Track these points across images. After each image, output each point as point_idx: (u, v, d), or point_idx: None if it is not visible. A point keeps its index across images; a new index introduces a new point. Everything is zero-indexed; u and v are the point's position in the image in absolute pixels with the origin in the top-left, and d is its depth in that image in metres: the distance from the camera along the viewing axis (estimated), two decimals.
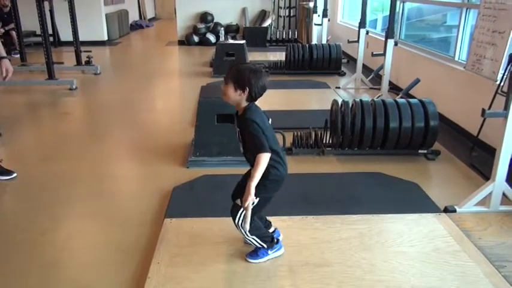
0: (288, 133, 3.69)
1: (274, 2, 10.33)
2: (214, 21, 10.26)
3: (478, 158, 3.57)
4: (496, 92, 3.35)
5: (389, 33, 4.74)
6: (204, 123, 3.39)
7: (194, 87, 5.87)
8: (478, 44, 3.69)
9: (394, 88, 5.53)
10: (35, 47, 8.87)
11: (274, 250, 2.21)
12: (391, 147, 3.55)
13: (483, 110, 2.57)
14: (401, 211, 2.72)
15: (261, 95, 1.98)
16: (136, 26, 13.70)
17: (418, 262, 2.23)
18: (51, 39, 7.40)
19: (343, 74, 6.86)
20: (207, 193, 2.97)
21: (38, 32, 6.60)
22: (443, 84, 4.51)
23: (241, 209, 2.01)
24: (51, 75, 6.09)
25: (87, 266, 2.29)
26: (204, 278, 2.11)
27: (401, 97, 4.74)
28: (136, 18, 14.47)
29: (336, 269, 2.17)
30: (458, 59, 4.46)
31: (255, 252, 2.20)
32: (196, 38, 10.13)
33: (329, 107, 3.82)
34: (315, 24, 7.95)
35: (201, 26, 10.11)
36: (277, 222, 2.44)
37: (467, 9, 4.36)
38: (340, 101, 3.70)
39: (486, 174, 3.21)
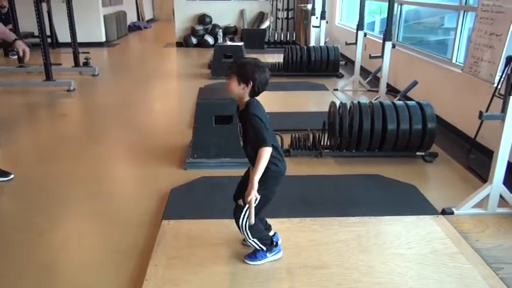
0: (285, 135, 3.69)
1: (272, 4, 10.35)
2: (213, 23, 10.26)
3: (476, 160, 3.58)
4: (494, 95, 3.37)
5: (387, 35, 4.75)
6: (202, 125, 3.39)
7: (192, 89, 5.86)
8: (475, 46, 3.71)
9: (391, 90, 5.54)
10: (32, 48, 8.80)
11: (272, 253, 2.21)
12: (389, 149, 3.56)
13: (480, 113, 2.58)
14: (399, 213, 2.72)
15: (263, 90, 1.98)
16: (134, 28, 13.69)
17: (416, 264, 2.23)
18: (49, 40, 7.38)
19: (341, 76, 6.87)
20: (204, 195, 2.97)
21: (36, 33, 6.60)
22: (441, 87, 4.52)
23: (245, 209, 2.01)
24: (48, 77, 6.08)
25: (84, 268, 2.28)
26: (201, 280, 2.10)
27: (399, 99, 4.75)
28: (135, 19, 14.47)
29: (334, 271, 2.17)
30: (456, 61, 4.48)
31: (254, 255, 2.20)
32: (194, 40, 10.14)
33: (327, 109, 3.83)
34: (313, 27, 7.97)
35: (199, 27, 10.12)
36: (276, 225, 2.44)
37: (464, 11, 4.38)
38: (338, 103, 3.71)
39: (483, 176, 3.22)
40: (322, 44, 7.64)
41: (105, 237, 2.56)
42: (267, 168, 1.94)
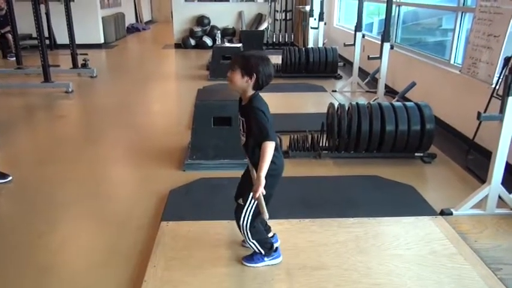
0: (284, 136, 3.68)
1: (270, 5, 10.36)
2: (211, 24, 10.27)
3: (474, 161, 3.59)
4: (492, 95, 3.37)
5: (385, 36, 4.76)
6: (201, 126, 3.39)
7: (191, 91, 5.86)
8: (473, 47, 3.72)
9: (390, 91, 5.55)
10: (30, 49, 8.86)
11: (270, 258, 2.19)
12: (387, 150, 3.56)
13: (479, 113, 2.59)
14: (398, 214, 2.73)
15: (267, 83, 1.94)
16: (132, 29, 13.69)
17: (415, 265, 2.23)
18: (47, 42, 7.37)
19: (339, 77, 6.88)
20: (203, 196, 2.96)
21: (34, 34, 6.59)
22: (439, 88, 4.53)
23: (245, 210, 2.00)
24: (47, 78, 6.08)
25: (83, 269, 2.28)
26: (200, 281, 2.10)
27: (397, 100, 4.76)
28: (133, 21, 14.47)
29: (333, 272, 2.17)
30: (454, 62, 4.49)
31: (252, 257, 2.20)
32: (192, 41, 10.14)
33: (325, 110, 3.83)
34: (312, 28, 7.97)
35: (198, 29, 10.12)
36: (275, 226, 2.44)
37: (462, 13, 4.39)
38: (336, 104, 3.71)
39: (482, 177, 3.22)
40: (320, 45, 7.65)
41: (103, 239, 2.56)
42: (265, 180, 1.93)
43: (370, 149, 3.58)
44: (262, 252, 2.15)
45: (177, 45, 10.31)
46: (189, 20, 10.28)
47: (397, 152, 3.59)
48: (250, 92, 1.94)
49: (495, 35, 3.45)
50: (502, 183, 2.70)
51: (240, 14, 10.47)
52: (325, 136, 3.73)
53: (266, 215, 1.85)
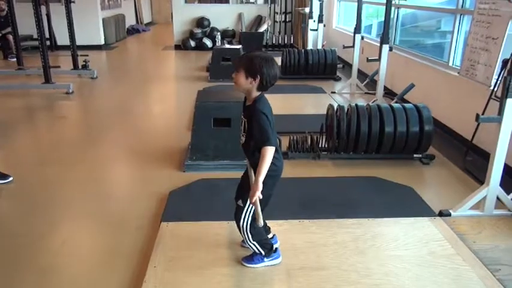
0: (284, 137, 3.68)
1: (270, 7, 10.37)
2: (211, 26, 10.28)
3: (472, 162, 3.59)
4: (490, 97, 3.38)
5: (384, 38, 4.77)
6: (201, 127, 3.39)
7: (191, 92, 5.86)
8: (472, 49, 3.72)
9: (389, 93, 5.56)
10: (31, 51, 8.86)
11: (270, 259, 2.19)
12: (386, 151, 3.56)
13: (477, 115, 2.59)
14: (397, 215, 2.73)
15: (272, 84, 1.92)
16: (133, 31, 13.69)
17: (414, 266, 2.23)
18: (47, 43, 7.37)
19: (338, 79, 6.89)
20: (203, 197, 2.96)
21: (35, 36, 6.59)
22: (438, 90, 4.54)
23: (245, 210, 2.00)
24: (47, 79, 6.08)
25: (84, 270, 2.28)
26: (200, 281, 2.10)
27: (396, 102, 4.76)
28: (133, 22, 14.47)
29: (332, 273, 2.17)
30: (453, 64, 4.49)
31: (251, 258, 2.19)
32: (192, 43, 10.15)
33: (325, 112, 3.83)
34: (311, 30, 7.98)
35: (198, 30, 10.13)
36: (275, 226, 2.44)
37: (461, 15, 4.39)
38: (335, 105, 3.72)
39: (480, 178, 3.23)
40: (319, 47, 7.66)
41: (104, 239, 2.56)
42: (264, 181, 1.93)
43: (369, 150, 3.58)
44: (263, 253, 2.15)
45: (177, 47, 10.32)
46: (189, 21, 10.29)
47: (396, 153, 3.59)
48: (255, 93, 1.94)
49: (493, 38, 3.45)
50: (500, 185, 2.70)
51: (239, 16, 10.48)
52: (324, 137, 3.73)
53: (260, 222, 1.87)
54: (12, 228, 2.67)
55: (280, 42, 10.37)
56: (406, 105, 3.66)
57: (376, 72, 5.34)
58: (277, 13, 10.33)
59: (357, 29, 5.73)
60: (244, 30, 10.31)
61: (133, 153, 3.88)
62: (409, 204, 2.89)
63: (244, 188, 2.05)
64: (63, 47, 8.84)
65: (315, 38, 7.98)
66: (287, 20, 10.34)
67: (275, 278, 2.14)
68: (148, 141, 4.18)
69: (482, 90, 3.56)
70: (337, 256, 2.30)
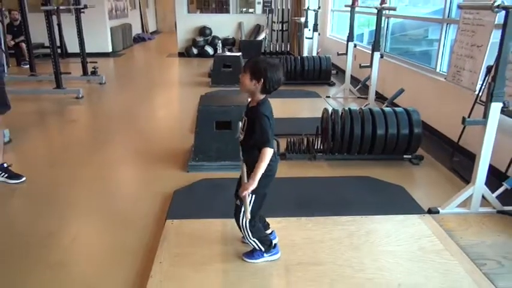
0: (281, 139, 3.68)
1: (268, 17, 10.37)
2: (212, 34, 10.27)
3: (459, 162, 3.59)
4: (475, 102, 3.37)
5: (375, 46, 4.76)
6: (204, 130, 3.37)
7: (193, 97, 5.84)
8: (457, 56, 3.71)
9: (380, 97, 5.55)
10: (43, 58, 8.83)
11: (270, 254, 2.18)
12: (378, 152, 3.55)
13: (463, 118, 2.59)
14: (389, 212, 2.72)
15: (275, 89, 1.92)
16: (139, 39, 13.67)
17: (405, 260, 2.23)
18: (58, 50, 7.34)
19: (332, 84, 6.88)
20: (206, 196, 2.95)
21: (46, 44, 6.56)
22: (426, 94, 4.53)
23: (244, 210, 2.00)
24: (58, 85, 6.06)
25: (92, 266, 2.26)
26: (204, 276, 2.09)
27: (386, 106, 4.75)
28: (139, 31, 14.45)
29: (328, 268, 2.16)
30: (440, 70, 4.49)
31: (252, 253, 2.18)
32: (195, 50, 10.13)
33: (320, 115, 3.82)
34: (306, 38, 7.98)
35: (200, 39, 10.12)
36: (273, 224, 2.42)
37: (447, 24, 4.39)
38: (330, 109, 3.71)
39: (466, 177, 3.22)
40: (314, 54, 7.66)
41: (111, 236, 2.54)
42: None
43: (362, 151, 3.57)
44: (262, 249, 2.14)
45: (181, 54, 10.31)
46: (191, 30, 10.28)
47: (387, 154, 3.58)
48: (259, 95, 1.93)
49: (478, 45, 3.45)
50: (486, 184, 2.69)
51: (239, 25, 10.48)
52: (320, 139, 3.72)
53: (248, 215, 1.88)
54: (25, 225, 2.65)
55: (277, 49, 10.36)
56: (396, 109, 3.65)
57: (368, 78, 5.34)
58: (274, 22, 10.33)
59: (350, 37, 5.73)
60: (243, 38, 10.31)
61: (139, 154, 3.87)
62: (400, 203, 2.88)
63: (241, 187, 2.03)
64: (73, 55, 8.82)
65: (310, 46, 7.98)
66: (284, 28, 10.34)
67: (274, 273, 2.13)
68: (153, 143, 4.16)
69: (468, 95, 3.55)
70: (333, 252, 2.29)
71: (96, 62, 7.27)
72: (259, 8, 10.89)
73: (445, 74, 4.11)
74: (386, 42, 6.12)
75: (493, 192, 2.74)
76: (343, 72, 6.26)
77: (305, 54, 8.01)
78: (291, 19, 10.05)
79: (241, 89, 1.97)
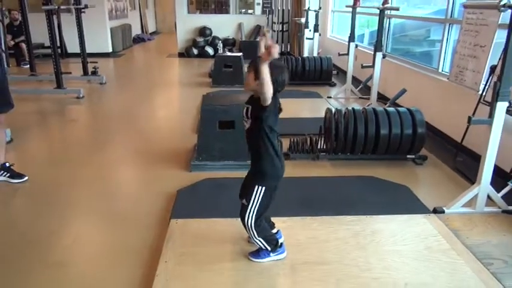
0: (284, 139, 3.66)
1: (268, 17, 10.37)
2: (213, 35, 10.26)
3: (462, 162, 3.58)
4: (479, 101, 3.37)
5: (378, 46, 4.76)
6: (207, 130, 3.36)
7: (194, 97, 5.85)
8: (460, 56, 3.71)
9: (381, 98, 5.54)
10: (42, 58, 8.80)
11: (276, 253, 2.16)
12: (381, 152, 3.54)
13: (469, 118, 2.58)
14: (393, 212, 2.71)
15: (279, 90, 1.89)
16: (138, 39, 13.65)
17: (412, 260, 2.22)
18: (58, 51, 7.32)
19: (333, 85, 6.88)
20: (210, 195, 2.93)
21: (46, 44, 6.54)
22: (428, 94, 4.53)
23: (249, 209, 1.99)
24: (59, 85, 6.03)
25: (96, 266, 2.24)
26: (210, 275, 2.07)
27: (388, 106, 4.75)
28: (139, 31, 14.43)
29: (334, 267, 2.15)
30: (442, 70, 4.49)
31: (257, 253, 2.17)
32: (195, 51, 10.12)
33: (322, 115, 3.81)
34: (307, 38, 7.98)
35: (200, 39, 10.11)
36: (278, 223, 2.41)
37: (450, 24, 4.39)
38: (333, 109, 3.70)
39: (470, 177, 3.22)
40: (315, 54, 7.65)
41: (116, 236, 2.52)
42: (265, 168, 1.92)
43: (365, 151, 3.56)
44: (268, 248, 2.13)
45: (181, 54, 10.29)
46: (192, 30, 10.26)
47: (391, 154, 3.58)
48: None
49: (481, 45, 3.44)
50: (490, 184, 2.69)
51: (239, 26, 10.47)
52: (322, 139, 3.71)
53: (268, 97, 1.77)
54: (27, 224, 2.63)
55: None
56: (400, 108, 3.65)
57: (370, 78, 5.34)
58: (274, 23, 10.32)
59: (351, 38, 5.73)
60: (244, 39, 10.30)
61: (140, 154, 3.85)
62: (404, 202, 2.87)
63: (247, 187, 2.03)
64: (73, 55, 8.80)
65: (310, 46, 7.98)
66: (284, 29, 10.32)
67: (280, 272, 2.12)
68: (155, 143, 4.15)
69: (471, 95, 3.54)
70: (339, 251, 2.28)
71: (96, 62, 7.25)
72: (258, 9, 10.90)
73: (448, 74, 4.10)
74: (387, 43, 6.11)
75: (497, 192, 2.73)
76: (344, 72, 6.27)
77: (305, 54, 8.01)
78: (291, 20, 10.05)
79: (245, 89, 1.96)
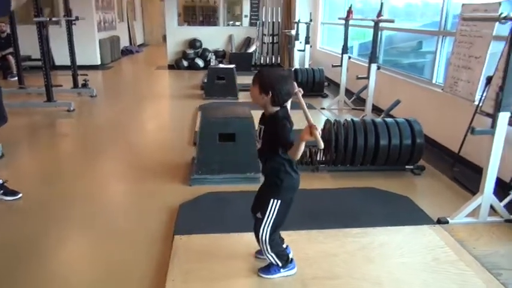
0: None
1: (258, 29, 10.44)
2: (203, 47, 10.27)
3: (460, 172, 3.61)
4: (475, 112, 3.42)
5: (372, 58, 4.81)
6: (207, 142, 3.32)
7: (188, 109, 5.81)
8: (455, 68, 3.77)
9: (374, 109, 5.58)
10: (30, 70, 8.65)
11: (286, 269, 2.12)
12: (381, 163, 3.55)
13: (472, 128, 2.61)
14: (398, 223, 2.70)
15: (285, 101, 1.89)
16: (126, 51, 13.57)
17: (421, 272, 2.20)
18: None
19: (325, 96, 6.92)
20: (212, 210, 2.88)
21: (34, 56, 6.42)
22: (423, 105, 4.58)
23: (264, 223, 1.95)
24: (49, 98, 5.92)
25: (103, 285, 2.16)
26: None
27: (383, 117, 4.78)
28: (127, 43, 14.35)
29: (345, 282, 2.12)
30: (436, 81, 4.55)
31: (268, 269, 2.12)
32: (185, 63, 10.10)
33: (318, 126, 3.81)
34: (298, 50, 8.04)
35: (190, 51, 10.10)
36: (284, 237, 2.35)
37: (443, 36, 4.47)
38: (331, 120, 3.70)
39: (469, 186, 3.25)
40: (306, 66, 7.70)
41: (117, 254, 2.43)
42: (280, 181, 1.90)
43: (364, 162, 3.56)
44: (279, 264, 2.08)
45: (170, 66, 10.25)
46: (181, 42, 10.25)
47: (390, 164, 3.59)
48: (271, 108, 1.90)
49: (476, 56, 3.50)
50: (494, 193, 2.71)
51: (230, 38, 10.51)
52: (322, 151, 3.70)
53: (321, 144, 1.78)
54: (22, 243, 2.52)
55: (268, 62, 10.41)
56: (398, 119, 3.67)
57: (363, 89, 5.38)
58: (265, 35, 10.39)
59: (344, 49, 5.78)
60: (234, 51, 10.33)
61: (137, 168, 3.77)
62: (408, 213, 2.86)
63: (262, 200, 1.99)
64: (61, 67, 8.69)
65: (301, 58, 8.04)
66: (274, 41, 10.41)
67: None
68: (152, 157, 4.08)
69: (465, 105, 3.59)
70: (348, 265, 2.26)
71: (87, 75, 7.15)
72: (246, 21, 10.96)
73: (442, 85, 4.16)
74: (379, 54, 6.18)
75: (500, 201, 2.75)
76: (335, 84, 6.31)
77: (296, 66, 8.05)
78: (281, 32, 10.14)
79: (252, 101, 1.95)
